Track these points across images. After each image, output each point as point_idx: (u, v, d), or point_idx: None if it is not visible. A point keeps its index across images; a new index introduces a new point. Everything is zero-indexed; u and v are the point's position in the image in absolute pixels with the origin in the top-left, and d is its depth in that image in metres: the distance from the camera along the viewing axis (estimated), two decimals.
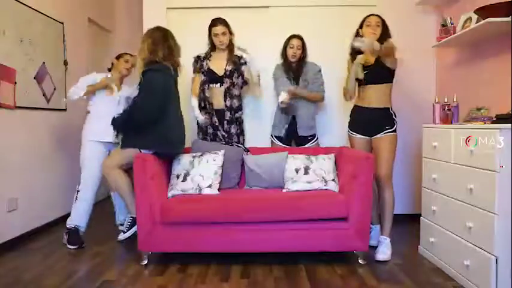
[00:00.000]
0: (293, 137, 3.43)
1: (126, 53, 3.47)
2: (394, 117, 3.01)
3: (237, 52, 3.36)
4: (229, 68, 3.35)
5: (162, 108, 2.87)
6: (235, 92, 3.38)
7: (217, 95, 3.35)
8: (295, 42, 3.32)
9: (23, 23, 3.38)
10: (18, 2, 3.32)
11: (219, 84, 3.34)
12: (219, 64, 3.37)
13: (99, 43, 4.99)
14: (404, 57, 3.59)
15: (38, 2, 3.59)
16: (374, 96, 2.99)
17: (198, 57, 3.41)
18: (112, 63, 3.48)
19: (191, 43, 3.64)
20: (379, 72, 2.95)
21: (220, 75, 3.34)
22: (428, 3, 3.65)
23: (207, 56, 3.39)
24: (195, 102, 3.34)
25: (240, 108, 3.43)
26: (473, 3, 2.93)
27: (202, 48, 3.45)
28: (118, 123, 2.97)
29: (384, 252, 2.86)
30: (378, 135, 3.00)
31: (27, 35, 3.42)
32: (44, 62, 3.68)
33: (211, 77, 3.34)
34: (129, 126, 2.94)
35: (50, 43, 3.81)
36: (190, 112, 3.47)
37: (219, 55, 3.38)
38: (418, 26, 3.74)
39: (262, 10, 3.82)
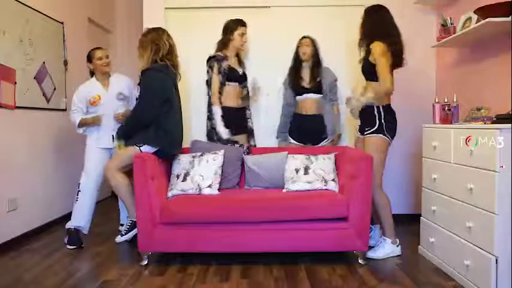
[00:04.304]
0: (307, 136, 3.43)
1: (95, 49, 3.38)
2: (378, 117, 2.86)
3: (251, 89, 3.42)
4: (244, 70, 3.45)
5: (160, 106, 2.88)
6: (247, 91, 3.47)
7: (234, 94, 3.35)
8: (304, 41, 3.36)
9: (23, 23, 3.38)
10: (18, 2, 3.32)
11: (237, 83, 3.36)
12: (236, 64, 3.40)
13: (99, 43, 4.98)
14: (405, 57, 3.60)
15: (38, 2, 3.59)
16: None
17: (215, 57, 3.29)
18: (89, 68, 3.40)
19: (190, 43, 3.65)
20: (363, 68, 2.91)
21: (241, 74, 3.38)
22: (426, 2, 3.65)
23: (225, 57, 3.33)
24: (219, 113, 3.23)
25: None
26: (473, 3, 2.92)
27: (202, 48, 3.45)
28: (122, 133, 2.99)
29: (375, 251, 2.86)
30: (362, 136, 2.98)
31: (27, 35, 3.42)
32: (44, 62, 3.68)
33: (233, 76, 3.33)
34: (133, 131, 2.95)
35: (50, 43, 3.81)
36: (190, 114, 3.47)
37: (232, 56, 3.39)
38: (418, 26, 3.74)
39: (262, 10, 3.82)
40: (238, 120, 3.37)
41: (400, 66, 2.96)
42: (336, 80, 3.43)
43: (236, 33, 3.32)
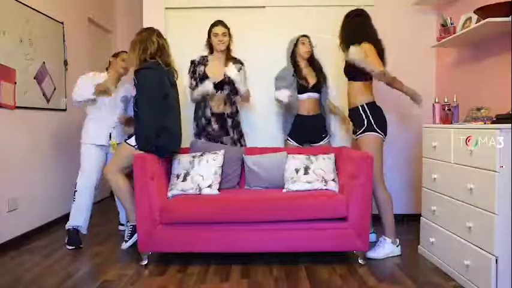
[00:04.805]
0: (306, 136, 3.41)
1: (124, 51, 3.43)
2: (364, 115, 2.91)
3: (234, 65, 3.26)
4: (231, 73, 3.24)
5: (161, 105, 2.87)
6: (233, 97, 3.35)
7: (215, 100, 3.29)
8: (304, 39, 3.34)
9: (23, 23, 3.38)
10: (18, 2, 3.32)
11: (215, 90, 3.24)
12: (216, 69, 3.28)
13: (99, 43, 4.99)
14: (404, 57, 3.60)
15: (38, 2, 3.59)
16: (348, 95, 3.04)
17: (193, 62, 3.32)
18: (110, 62, 3.45)
19: (190, 43, 3.64)
20: (345, 69, 2.97)
21: (217, 81, 3.24)
22: (426, 3, 3.65)
23: (203, 61, 3.31)
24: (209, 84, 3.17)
25: (237, 112, 3.42)
26: (473, 3, 2.93)
27: (202, 48, 3.45)
28: (143, 144, 2.87)
29: (375, 251, 2.87)
30: (356, 137, 3.01)
31: (27, 35, 3.42)
32: (44, 62, 3.68)
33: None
34: (152, 136, 2.88)
35: (50, 43, 3.81)
36: (190, 115, 3.47)
37: (217, 59, 3.31)
38: (418, 26, 3.74)
39: (258, 10, 3.82)
40: (218, 123, 3.29)
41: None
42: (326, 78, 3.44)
43: (211, 35, 3.28)
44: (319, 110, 3.41)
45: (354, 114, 2.99)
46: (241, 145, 3.39)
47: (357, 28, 2.94)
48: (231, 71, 3.19)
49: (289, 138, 3.41)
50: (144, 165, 2.73)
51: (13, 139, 3.26)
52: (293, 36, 3.36)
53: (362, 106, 2.93)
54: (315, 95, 3.36)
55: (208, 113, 3.28)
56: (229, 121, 3.33)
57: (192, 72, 3.31)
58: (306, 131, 3.37)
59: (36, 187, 3.56)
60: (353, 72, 2.91)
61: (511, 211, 2.12)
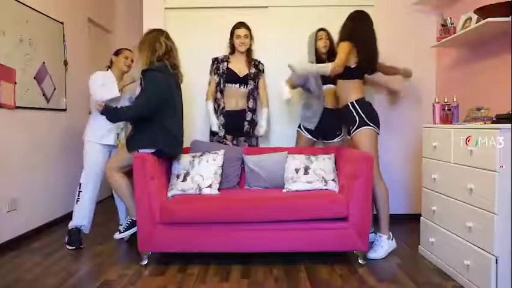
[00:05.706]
0: (322, 130, 3.40)
1: (126, 49, 3.41)
2: (355, 112, 2.93)
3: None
4: (252, 71, 3.39)
5: (163, 105, 2.86)
6: (256, 94, 3.43)
7: (235, 96, 3.36)
8: (323, 33, 3.34)
9: (23, 23, 3.38)
10: (18, 2, 3.32)
11: (238, 84, 3.35)
12: (239, 66, 3.38)
13: (99, 43, 4.99)
14: (404, 57, 3.60)
15: (38, 2, 3.59)
16: (338, 94, 3.07)
17: (216, 59, 3.41)
18: (111, 60, 3.40)
19: (190, 43, 3.65)
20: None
21: (241, 76, 3.35)
22: (426, 3, 3.65)
23: (226, 58, 3.40)
24: (210, 106, 3.36)
25: (256, 109, 3.46)
26: (473, 3, 2.93)
27: (202, 48, 3.46)
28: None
29: (375, 251, 2.88)
30: (350, 137, 3.03)
31: (27, 35, 3.42)
32: (44, 62, 3.68)
33: (231, 78, 3.35)
34: (126, 119, 2.97)
35: (50, 43, 3.81)
36: (190, 115, 3.47)
37: (239, 58, 3.40)
38: (418, 26, 3.75)
39: (261, 10, 3.82)
40: (233, 122, 3.36)
41: (370, 73, 3.10)
42: None
43: (234, 37, 3.37)
44: (335, 103, 3.36)
45: (345, 112, 3.00)
46: (257, 142, 3.46)
47: (356, 30, 2.97)
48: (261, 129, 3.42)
49: (303, 129, 3.40)
50: (144, 165, 2.73)
51: (13, 139, 3.26)
52: (312, 32, 3.37)
53: (352, 103, 2.95)
54: (334, 86, 3.31)
55: (220, 108, 3.35)
56: (249, 115, 3.38)
57: (216, 69, 3.38)
58: (323, 124, 3.35)
59: (36, 187, 3.56)
60: (344, 71, 2.93)
61: (511, 211, 2.12)
